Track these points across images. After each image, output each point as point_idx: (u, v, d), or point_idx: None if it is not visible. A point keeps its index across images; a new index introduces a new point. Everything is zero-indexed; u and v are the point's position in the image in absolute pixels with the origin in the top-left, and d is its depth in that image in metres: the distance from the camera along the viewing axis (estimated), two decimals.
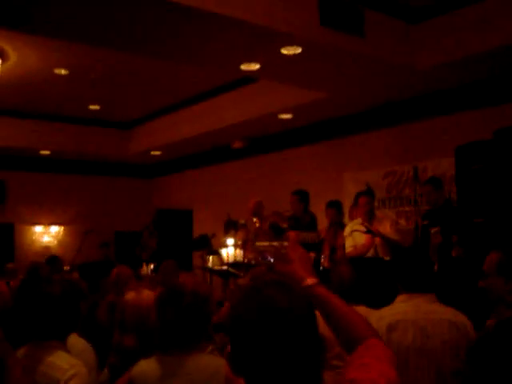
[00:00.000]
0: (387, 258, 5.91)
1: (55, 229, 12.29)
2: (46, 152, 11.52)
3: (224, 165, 11.30)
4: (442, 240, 5.75)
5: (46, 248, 11.76)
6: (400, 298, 3.03)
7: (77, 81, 8.82)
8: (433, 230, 5.88)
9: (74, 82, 8.89)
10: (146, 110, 10.77)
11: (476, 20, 5.95)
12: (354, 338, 1.53)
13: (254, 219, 7.44)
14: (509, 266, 3.05)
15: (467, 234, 5.67)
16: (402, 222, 8.02)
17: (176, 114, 10.46)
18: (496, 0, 5.78)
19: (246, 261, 7.19)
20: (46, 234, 12.21)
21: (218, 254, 8.90)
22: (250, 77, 7.78)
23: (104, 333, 3.68)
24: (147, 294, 2.77)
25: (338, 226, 6.85)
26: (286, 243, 1.72)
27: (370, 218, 6.31)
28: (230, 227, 9.30)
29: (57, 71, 8.34)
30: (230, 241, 8.90)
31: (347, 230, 6.45)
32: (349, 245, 6.32)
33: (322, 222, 7.23)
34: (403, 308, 2.97)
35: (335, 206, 7.06)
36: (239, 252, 8.13)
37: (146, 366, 2.39)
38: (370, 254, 6.13)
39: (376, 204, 7.26)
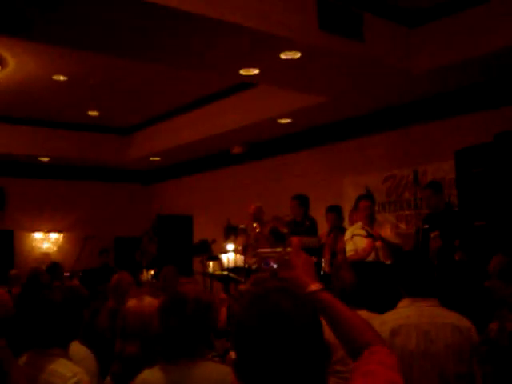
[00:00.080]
0: (388, 262, 5.91)
1: (55, 235, 12.28)
2: (45, 158, 11.52)
3: (224, 170, 11.30)
4: (442, 244, 5.75)
5: (46, 255, 11.75)
6: (403, 303, 3.02)
7: (76, 87, 8.82)
8: (432, 235, 5.87)
9: (72, 89, 8.89)
10: (145, 115, 10.77)
11: (475, 23, 5.95)
12: (359, 343, 1.53)
13: (254, 224, 7.44)
14: (509, 269, 3.06)
15: (469, 238, 5.66)
16: (403, 225, 8.01)
17: (175, 119, 10.47)
18: (495, 3, 5.79)
19: (246, 266, 7.19)
20: (46, 241, 12.19)
21: (218, 259, 8.89)
22: (250, 82, 7.78)
23: (105, 340, 3.67)
24: (149, 301, 2.76)
25: (338, 230, 6.85)
26: (288, 249, 1.71)
27: (370, 222, 6.31)
28: (230, 232, 9.28)
29: (56, 78, 8.35)
30: (230, 246, 8.88)
31: (348, 234, 6.44)
32: (349, 249, 6.31)
33: (323, 227, 7.22)
34: (406, 312, 2.96)
35: (335, 211, 7.06)
36: (239, 257, 8.11)
37: (151, 376, 2.37)
38: (371, 258, 6.12)
39: (376, 208, 7.25)
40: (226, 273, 7.54)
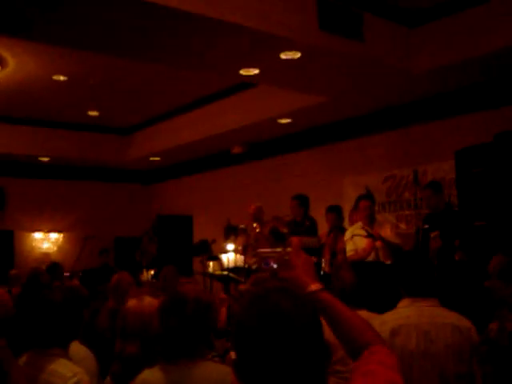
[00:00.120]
0: (388, 262, 5.91)
1: (55, 235, 12.28)
2: (45, 158, 11.52)
3: (224, 170, 11.30)
4: (442, 244, 5.75)
5: (46, 254, 11.75)
6: (403, 303, 3.02)
7: (76, 87, 8.82)
8: (432, 235, 5.87)
9: (72, 89, 8.89)
10: (145, 115, 10.77)
11: (475, 23, 5.95)
12: (359, 343, 1.53)
13: (254, 224, 7.44)
14: (509, 270, 3.06)
15: (469, 238, 5.66)
16: (403, 225, 8.01)
17: (175, 119, 10.47)
18: (495, 3, 5.79)
19: (246, 266, 7.19)
20: (46, 241, 12.19)
21: (218, 259, 8.88)
22: (250, 82, 7.78)
23: (105, 340, 3.67)
24: (149, 301, 2.75)
25: (338, 230, 6.85)
26: (289, 249, 1.71)
27: (370, 221, 6.31)
28: (230, 232, 9.27)
29: (56, 78, 8.34)
30: (230, 246, 8.88)
31: (348, 234, 6.44)
32: (349, 249, 6.31)
33: (323, 227, 7.22)
34: (406, 312, 2.96)
35: (335, 211, 7.06)
36: (239, 257, 8.11)
37: (151, 376, 2.37)
38: (371, 258, 6.12)
39: (376, 208, 7.25)
40: (226, 273, 7.54)
